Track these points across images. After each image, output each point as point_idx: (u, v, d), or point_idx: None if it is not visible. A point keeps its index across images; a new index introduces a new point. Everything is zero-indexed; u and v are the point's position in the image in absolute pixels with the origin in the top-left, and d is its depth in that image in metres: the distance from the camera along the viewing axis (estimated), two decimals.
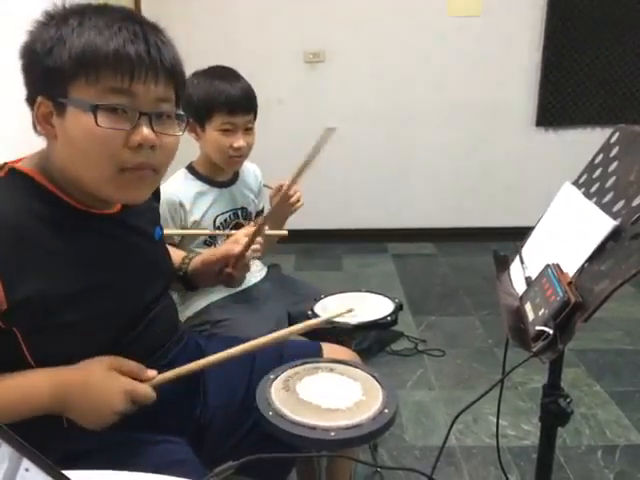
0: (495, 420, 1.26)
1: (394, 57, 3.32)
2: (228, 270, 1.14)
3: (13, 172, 0.79)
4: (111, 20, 0.74)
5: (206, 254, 1.18)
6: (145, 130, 0.76)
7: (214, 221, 1.51)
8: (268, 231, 1.38)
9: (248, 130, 1.46)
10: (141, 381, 0.82)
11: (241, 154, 1.45)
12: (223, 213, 1.53)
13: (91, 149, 0.75)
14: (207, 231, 1.48)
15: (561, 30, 3.18)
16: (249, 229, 1.37)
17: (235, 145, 1.42)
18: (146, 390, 0.81)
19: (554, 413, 0.91)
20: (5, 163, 0.81)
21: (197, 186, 1.49)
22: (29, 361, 0.78)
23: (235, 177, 1.58)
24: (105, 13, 0.76)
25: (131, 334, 0.87)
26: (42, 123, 0.77)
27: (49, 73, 0.74)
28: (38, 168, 0.80)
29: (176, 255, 1.18)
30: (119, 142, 0.75)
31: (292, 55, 3.32)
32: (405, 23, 3.27)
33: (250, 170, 1.63)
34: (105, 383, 0.78)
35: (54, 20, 0.76)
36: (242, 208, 1.58)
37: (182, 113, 0.83)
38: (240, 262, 1.14)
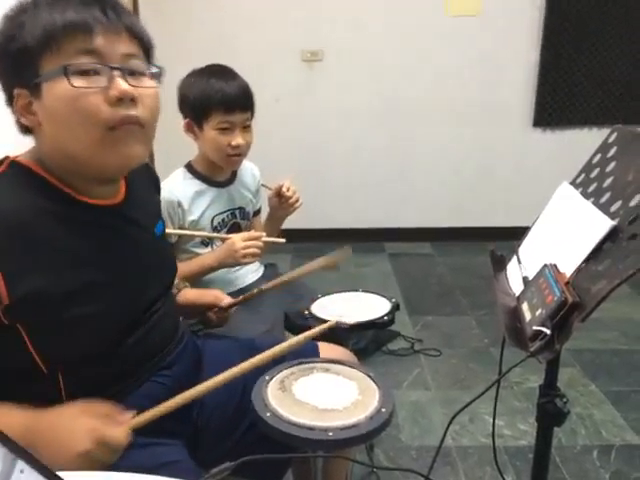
0: (491, 420, 1.26)
1: (392, 56, 3.32)
2: (210, 314, 1.21)
3: (13, 165, 0.80)
4: None
5: (195, 295, 1.19)
6: (121, 82, 0.76)
7: (212, 221, 1.51)
8: (265, 238, 1.39)
9: (246, 128, 1.45)
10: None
11: (240, 152, 1.45)
12: (221, 213, 1.53)
13: (73, 114, 0.74)
14: (204, 233, 1.48)
15: (559, 30, 3.19)
16: (245, 234, 1.38)
17: (233, 143, 1.42)
18: (115, 432, 0.74)
19: (550, 413, 0.90)
20: (6, 157, 0.81)
21: (195, 185, 1.48)
22: (34, 357, 0.78)
23: (233, 177, 1.57)
24: None
25: (136, 333, 0.87)
26: (25, 115, 0.78)
27: (16, 60, 0.75)
28: (35, 160, 0.81)
29: None
30: (99, 100, 0.75)
31: (290, 54, 3.32)
32: (403, 22, 3.27)
33: (248, 169, 1.63)
34: (71, 423, 0.75)
35: (12, 13, 0.77)
36: (240, 208, 1.58)
37: (157, 67, 0.83)
38: (223, 312, 1.20)
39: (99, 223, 0.84)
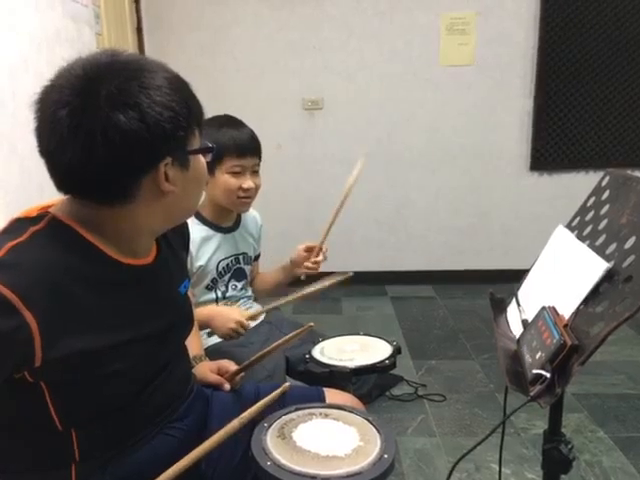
0: (498, 468, 1.23)
1: (389, 104, 3.41)
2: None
3: (53, 223, 0.78)
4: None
5: (200, 374, 1.15)
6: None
7: (217, 266, 1.53)
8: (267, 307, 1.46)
9: (255, 173, 1.52)
10: None
11: (249, 195, 1.50)
12: (226, 258, 1.55)
13: (205, 178, 0.91)
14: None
15: (552, 78, 3.28)
16: (244, 321, 1.37)
17: (244, 186, 1.48)
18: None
19: (556, 460, 0.89)
20: (46, 212, 0.79)
21: (203, 231, 1.51)
22: (52, 414, 0.77)
23: (237, 223, 1.61)
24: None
25: (150, 387, 0.86)
26: (164, 183, 0.79)
27: (172, 139, 0.78)
28: (76, 218, 0.79)
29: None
30: None
31: (292, 102, 3.41)
32: (400, 72, 3.37)
33: (251, 216, 1.67)
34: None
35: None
36: (243, 253, 1.61)
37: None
38: (233, 378, 1.16)
39: (131, 282, 0.85)
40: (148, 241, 0.88)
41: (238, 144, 1.46)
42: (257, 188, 1.52)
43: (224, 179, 1.47)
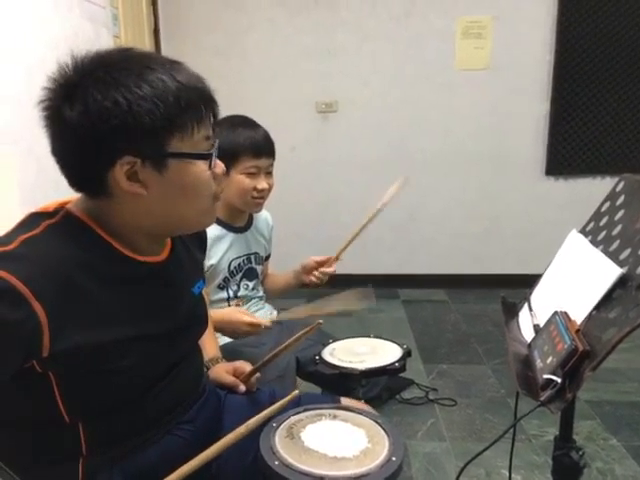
0: (508, 474, 1.22)
1: (404, 108, 3.41)
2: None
3: (69, 218, 0.79)
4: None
5: (215, 376, 1.16)
6: (219, 162, 0.86)
7: (229, 265, 1.54)
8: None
9: (269, 174, 1.52)
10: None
11: (263, 196, 1.51)
12: (238, 257, 1.56)
13: (201, 190, 0.83)
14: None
15: (568, 82, 3.26)
16: (252, 319, 1.38)
17: (259, 187, 1.49)
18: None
19: (567, 466, 0.88)
20: (62, 207, 0.81)
21: (215, 230, 1.52)
22: (59, 406, 0.78)
23: (250, 223, 1.62)
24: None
25: (159, 385, 0.87)
26: (127, 181, 0.77)
27: (143, 134, 0.75)
28: (88, 213, 0.81)
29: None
30: (211, 178, 0.84)
31: (306, 106, 3.43)
32: (414, 75, 3.37)
33: (263, 217, 1.67)
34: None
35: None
36: (255, 253, 1.62)
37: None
38: (248, 378, 1.15)
39: (143, 279, 0.85)
40: (150, 240, 0.86)
41: (254, 145, 1.46)
42: (270, 188, 1.53)
43: (239, 179, 1.48)
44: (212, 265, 1.50)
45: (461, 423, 2.10)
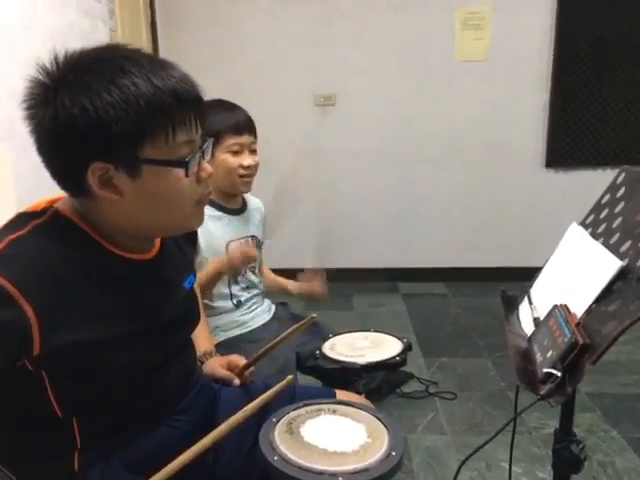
0: (508, 467, 1.22)
1: (403, 100, 3.39)
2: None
3: (56, 217, 0.79)
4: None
5: (209, 370, 1.15)
6: (206, 165, 0.83)
7: (226, 247, 1.53)
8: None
9: (253, 152, 1.54)
10: None
11: (250, 173, 1.53)
12: (236, 239, 1.56)
13: (180, 196, 0.80)
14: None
15: (568, 73, 3.24)
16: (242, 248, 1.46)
17: (245, 164, 1.50)
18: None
19: (567, 459, 0.88)
20: (50, 206, 0.80)
21: (210, 211, 1.52)
22: (52, 403, 0.78)
23: (244, 206, 1.62)
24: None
25: (152, 379, 0.87)
26: (100, 187, 0.76)
27: (112, 140, 0.73)
28: (76, 212, 0.81)
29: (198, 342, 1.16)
30: (195, 183, 0.81)
31: (304, 98, 3.41)
32: (413, 68, 3.35)
33: (255, 203, 1.68)
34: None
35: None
36: (253, 236, 1.61)
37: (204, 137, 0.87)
38: (243, 372, 1.15)
39: (132, 277, 0.85)
40: (136, 240, 0.85)
41: (235, 122, 1.49)
42: (257, 165, 1.54)
43: (223, 158, 1.49)
44: (209, 242, 1.49)
45: (462, 416, 2.10)
